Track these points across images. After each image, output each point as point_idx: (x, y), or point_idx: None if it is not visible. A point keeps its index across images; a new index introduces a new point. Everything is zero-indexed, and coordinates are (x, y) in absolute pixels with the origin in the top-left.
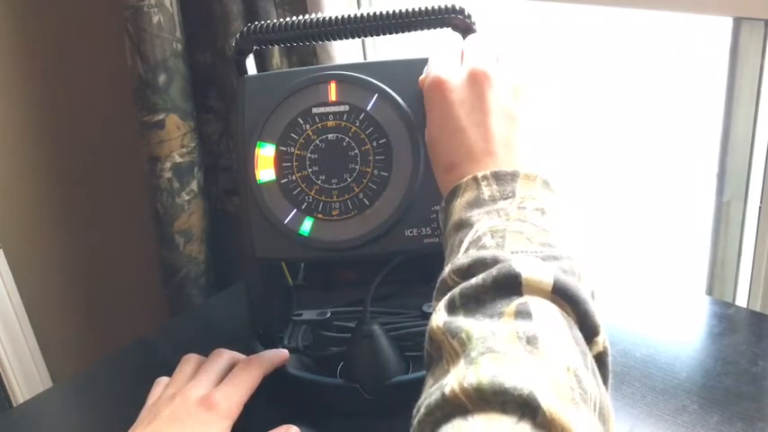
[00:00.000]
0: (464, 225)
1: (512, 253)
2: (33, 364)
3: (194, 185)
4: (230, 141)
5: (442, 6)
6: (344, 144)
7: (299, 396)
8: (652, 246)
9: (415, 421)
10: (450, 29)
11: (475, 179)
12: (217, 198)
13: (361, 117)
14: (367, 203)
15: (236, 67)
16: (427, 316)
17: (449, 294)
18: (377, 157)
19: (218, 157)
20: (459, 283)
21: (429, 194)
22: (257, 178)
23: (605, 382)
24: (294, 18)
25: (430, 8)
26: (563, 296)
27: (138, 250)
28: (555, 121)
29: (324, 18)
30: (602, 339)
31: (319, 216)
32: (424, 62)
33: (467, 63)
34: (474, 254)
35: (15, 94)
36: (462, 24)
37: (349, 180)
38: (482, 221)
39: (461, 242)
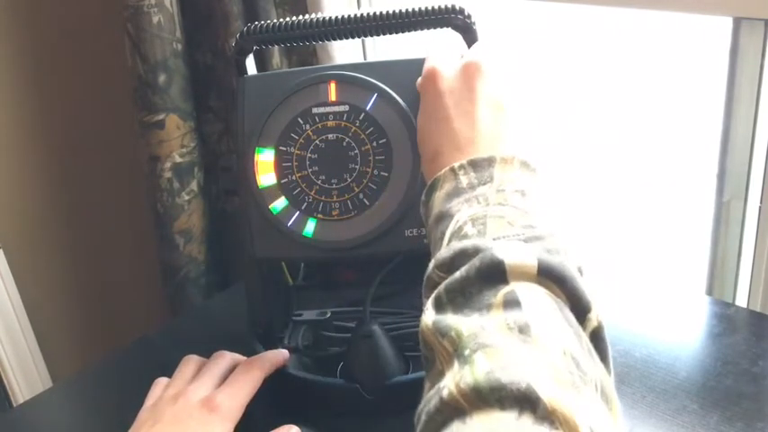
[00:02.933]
0: (444, 217)
1: (493, 240)
2: (33, 364)
3: (194, 185)
4: (230, 141)
5: (442, 6)
6: (344, 144)
7: (299, 396)
8: (652, 245)
9: (417, 430)
10: (450, 29)
11: (452, 170)
12: (217, 198)
13: (360, 117)
14: (367, 203)
15: (236, 67)
16: None
17: (435, 292)
18: (377, 157)
19: (218, 157)
20: (445, 278)
21: None
22: (258, 184)
23: (605, 357)
24: (294, 18)
25: (430, 8)
26: (549, 277)
27: (138, 250)
28: (554, 121)
29: (324, 18)
30: (596, 315)
31: (319, 216)
32: (423, 62)
33: (463, 58)
34: (456, 245)
35: (15, 93)
36: (462, 24)
37: (349, 180)
38: (462, 211)
39: (443, 235)
